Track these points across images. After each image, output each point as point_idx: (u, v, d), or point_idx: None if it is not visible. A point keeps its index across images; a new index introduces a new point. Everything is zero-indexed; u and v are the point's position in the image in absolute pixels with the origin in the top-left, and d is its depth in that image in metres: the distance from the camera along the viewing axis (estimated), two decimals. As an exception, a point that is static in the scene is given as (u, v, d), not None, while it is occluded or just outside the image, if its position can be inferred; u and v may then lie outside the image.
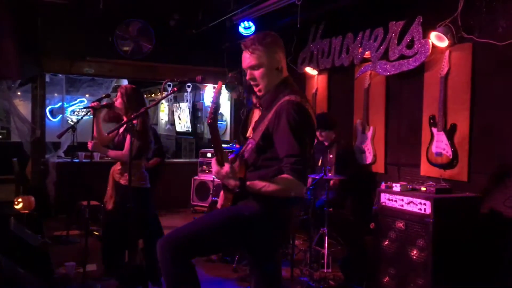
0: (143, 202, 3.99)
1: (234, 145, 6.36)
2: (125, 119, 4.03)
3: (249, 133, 2.51)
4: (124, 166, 3.91)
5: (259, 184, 2.22)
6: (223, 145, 6.13)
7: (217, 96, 2.17)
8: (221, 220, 2.33)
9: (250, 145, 2.37)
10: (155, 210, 4.32)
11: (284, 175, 2.19)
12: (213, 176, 6.23)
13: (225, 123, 8.91)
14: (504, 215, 3.80)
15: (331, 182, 4.84)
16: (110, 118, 4.53)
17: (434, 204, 3.52)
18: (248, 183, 2.22)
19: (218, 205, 2.51)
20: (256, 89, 2.42)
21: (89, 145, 3.97)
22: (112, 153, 3.97)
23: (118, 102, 4.02)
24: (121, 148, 3.90)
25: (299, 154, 2.18)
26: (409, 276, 3.67)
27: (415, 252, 3.62)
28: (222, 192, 2.47)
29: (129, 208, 3.43)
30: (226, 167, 2.19)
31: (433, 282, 3.50)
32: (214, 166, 2.25)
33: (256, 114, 3.75)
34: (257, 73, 2.36)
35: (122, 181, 3.93)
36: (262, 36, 2.36)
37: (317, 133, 5.30)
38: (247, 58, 2.36)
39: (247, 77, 2.41)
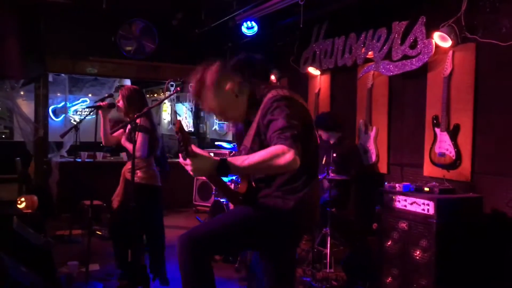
0: (155, 200, 4.01)
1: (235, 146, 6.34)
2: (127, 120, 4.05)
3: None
4: (139, 163, 3.88)
5: (241, 158, 2.03)
6: (225, 145, 6.13)
7: (178, 131, 1.99)
8: (241, 218, 2.26)
9: (243, 152, 2.29)
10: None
11: (275, 144, 1.99)
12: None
13: (227, 123, 8.92)
14: (507, 216, 3.79)
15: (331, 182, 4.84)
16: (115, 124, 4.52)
17: (437, 205, 3.52)
18: (229, 160, 2.00)
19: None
20: (232, 123, 2.36)
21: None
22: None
23: (120, 103, 4.03)
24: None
25: (285, 126, 2.01)
26: (412, 276, 3.67)
27: (418, 252, 3.62)
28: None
29: (134, 208, 3.43)
30: (198, 150, 2.06)
31: (436, 283, 3.50)
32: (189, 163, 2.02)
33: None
34: (222, 115, 2.29)
35: (137, 180, 3.89)
36: (199, 79, 2.26)
37: (320, 132, 5.30)
38: (204, 107, 2.28)
39: (217, 120, 2.34)
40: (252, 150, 2.18)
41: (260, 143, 2.18)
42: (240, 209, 2.33)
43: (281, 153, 1.94)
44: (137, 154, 3.81)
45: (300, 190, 2.22)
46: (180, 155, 2.02)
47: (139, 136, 3.79)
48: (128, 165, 4.07)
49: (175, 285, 4.20)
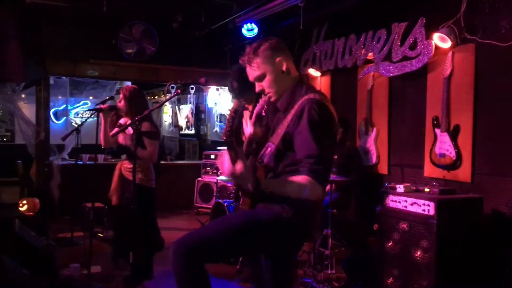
0: (152, 201, 4.07)
1: None
2: (128, 120, 4.07)
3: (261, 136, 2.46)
4: (140, 165, 3.90)
5: (275, 184, 2.19)
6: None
7: (233, 116, 2.16)
8: (237, 224, 2.25)
9: (269, 149, 2.28)
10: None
11: (302, 176, 2.11)
12: (217, 178, 6.26)
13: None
14: (507, 216, 3.80)
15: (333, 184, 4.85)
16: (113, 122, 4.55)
17: (437, 205, 3.52)
18: (263, 184, 2.16)
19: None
20: (268, 96, 2.37)
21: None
22: (140, 153, 3.89)
23: (121, 103, 4.05)
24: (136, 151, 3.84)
25: (318, 155, 2.11)
26: (412, 277, 3.67)
27: (418, 253, 3.62)
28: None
29: (135, 209, 3.45)
30: (239, 165, 2.11)
31: (437, 283, 3.50)
32: (226, 164, 2.17)
33: (246, 115, 3.80)
34: (264, 83, 2.33)
35: (137, 181, 3.91)
36: (255, 46, 2.34)
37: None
38: (249, 72, 2.35)
39: (257, 90, 2.38)
40: (279, 149, 2.24)
41: (289, 145, 2.22)
42: (237, 215, 2.35)
43: (311, 189, 2.11)
44: (151, 160, 3.87)
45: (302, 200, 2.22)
46: (225, 136, 2.18)
47: (150, 143, 3.85)
48: (126, 164, 4.09)
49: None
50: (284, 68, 2.33)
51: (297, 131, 2.17)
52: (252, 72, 2.33)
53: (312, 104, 2.17)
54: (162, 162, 5.96)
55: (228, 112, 2.22)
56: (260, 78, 2.32)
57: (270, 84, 2.32)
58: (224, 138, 2.15)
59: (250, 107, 3.69)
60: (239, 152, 2.20)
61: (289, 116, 2.23)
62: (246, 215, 2.30)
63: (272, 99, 2.36)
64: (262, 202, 2.28)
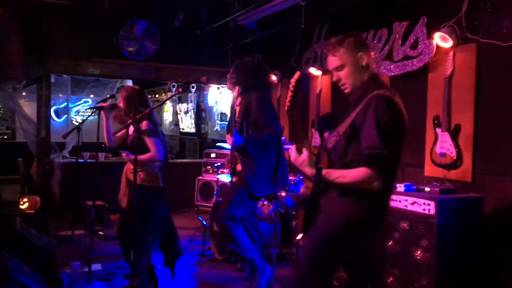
0: (159, 199, 4.05)
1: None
2: (128, 120, 4.07)
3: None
4: (141, 165, 3.90)
5: (335, 174, 2.30)
6: (226, 146, 6.13)
7: (295, 86, 2.29)
8: (319, 241, 2.41)
9: (334, 138, 2.44)
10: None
11: (360, 167, 2.23)
12: (217, 177, 6.25)
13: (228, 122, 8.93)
14: (508, 216, 3.80)
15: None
16: (117, 118, 4.56)
17: (438, 205, 3.52)
18: (324, 172, 2.29)
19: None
20: (342, 87, 2.48)
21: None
22: (142, 157, 3.87)
23: (121, 104, 4.05)
24: (138, 150, 3.75)
25: (380, 148, 2.20)
26: (413, 276, 3.67)
27: (419, 252, 3.62)
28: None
29: (135, 208, 3.45)
30: (304, 154, 2.29)
31: (437, 283, 3.50)
32: (292, 153, 2.35)
33: (237, 110, 3.87)
34: (342, 73, 2.43)
35: (139, 181, 3.90)
36: (342, 38, 2.43)
37: (325, 135, 5.31)
38: (331, 61, 2.45)
39: (334, 79, 2.48)
40: (342, 138, 2.39)
41: (352, 135, 2.34)
42: (314, 230, 2.46)
43: (369, 181, 2.23)
44: (156, 158, 3.86)
45: (371, 196, 2.34)
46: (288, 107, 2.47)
47: (151, 141, 3.83)
48: (130, 166, 4.09)
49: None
50: (364, 63, 2.43)
51: (363, 123, 2.28)
52: (333, 61, 2.44)
53: (380, 99, 2.27)
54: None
55: (290, 84, 2.37)
56: (339, 68, 2.43)
57: (348, 75, 2.43)
58: (287, 109, 2.36)
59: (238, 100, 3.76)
60: (305, 143, 2.37)
61: (357, 109, 2.35)
62: (322, 228, 2.42)
63: (347, 91, 2.47)
64: (323, 189, 2.42)
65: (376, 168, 2.20)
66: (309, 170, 2.29)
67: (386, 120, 2.22)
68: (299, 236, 2.84)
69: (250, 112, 3.69)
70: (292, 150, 2.35)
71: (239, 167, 3.85)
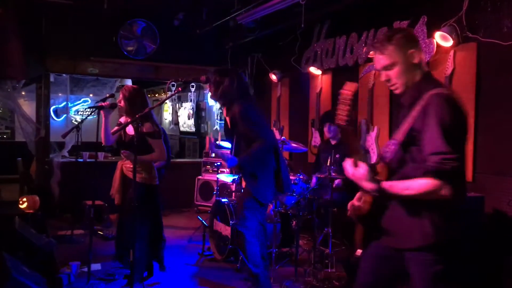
0: (155, 198, 4.11)
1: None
2: (125, 118, 4.07)
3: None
4: (141, 164, 3.91)
5: (399, 186, 2.06)
6: (225, 145, 6.14)
7: (352, 99, 2.10)
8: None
9: (393, 146, 2.20)
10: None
11: (428, 177, 1.98)
12: (217, 176, 6.24)
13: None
14: (508, 216, 3.79)
15: (336, 182, 4.84)
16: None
17: (438, 204, 3.51)
18: (386, 185, 2.07)
19: (354, 203, 2.33)
20: (392, 88, 2.26)
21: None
22: (146, 157, 3.91)
23: (121, 103, 4.04)
24: (139, 150, 3.69)
25: (447, 152, 1.96)
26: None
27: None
28: (358, 193, 2.35)
29: (136, 207, 3.45)
30: (363, 168, 2.10)
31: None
32: (350, 168, 2.16)
33: (227, 119, 3.85)
34: (392, 72, 2.21)
35: (139, 180, 3.91)
36: (391, 34, 2.22)
37: (325, 129, 5.31)
38: (380, 59, 2.23)
39: (383, 78, 2.26)
40: (402, 146, 2.14)
41: (413, 141, 2.10)
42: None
43: (437, 189, 1.97)
44: (161, 158, 3.92)
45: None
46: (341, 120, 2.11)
47: (156, 144, 3.88)
48: (128, 164, 4.08)
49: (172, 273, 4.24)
50: (416, 60, 2.21)
51: (425, 126, 2.05)
52: (382, 60, 2.22)
53: (441, 99, 2.05)
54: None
55: (343, 94, 2.13)
56: (389, 67, 2.21)
57: (399, 75, 2.21)
58: (341, 123, 2.07)
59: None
60: (362, 156, 2.13)
61: (415, 112, 2.10)
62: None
63: (397, 91, 2.25)
64: (383, 201, 2.17)
65: (444, 175, 1.96)
66: (370, 185, 2.08)
67: (449, 122, 2.00)
68: (358, 253, 2.55)
69: (236, 124, 3.68)
70: (349, 164, 2.13)
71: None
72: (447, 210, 2.09)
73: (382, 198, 2.14)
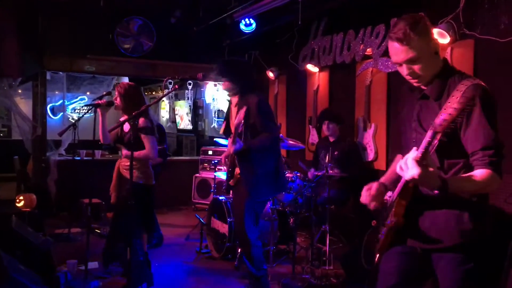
0: (150, 198, 4.09)
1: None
2: (125, 116, 4.05)
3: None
4: (138, 163, 3.89)
5: (460, 180, 1.89)
6: (222, 142, 6.13)
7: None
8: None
9: (436, 141, 1.90)
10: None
11: (482, 170, 1.87)
12: (215, 174, 6.22)
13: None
14: (506, 213, 3.79)
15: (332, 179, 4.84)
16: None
17: (436, 201, 3.51)
18: (449, 180, 1.84)
19: (370, 204, 2.21)
20: (414, 81, 2.07)
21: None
22: (136, 154, 3.84)
23: (117, 101, 4.03)
24: (135, 147, 3.73)
25: (497, 145, 1.90)
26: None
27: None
28: (371, 190, 2.21)
29: (132, 205, 3.44)
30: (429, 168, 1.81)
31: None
32: (415, 168, 1.78)
33: (233, 110, 3.79)
34: (417, 66, 2.00)
35: (134, 178, 3.89)
36: (413, 22, 1.96)
37: (324, 126, 5.30)
38: (402, 52, 1.98)
39: (405, 72, 2.04)
40: (441, 143, 1.86)
41: (453, 137, 1.95)
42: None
43: (493, 183, 1.90)
44: (151, 156, 3.87)
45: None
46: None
47: (147, 139, 3.84)
48: (124, 162, 4.07)
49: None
50: (438, 49, 2.03)
51: (472, 121, 1.93)
52: (405, 53, 1.97)
53: (482, 90, 1.95)
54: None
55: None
56: (414, 60, 1.98)
57: (424, 68, 2.00)
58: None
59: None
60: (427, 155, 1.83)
61: (454, 104, 1.82)
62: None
63: (420, 84, 2.06)
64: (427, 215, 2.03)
65: (497, 167, 1.87)
66: (435, 182, 1.81)
67: (495, 114, 1.95)
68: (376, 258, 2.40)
69: (249, 115, 3.64)
70: (413, 164, 1.79)
71: (237, 170, 3.83)
72: (484, 205, 2.04)
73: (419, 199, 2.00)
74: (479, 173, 1.88)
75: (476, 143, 1.91)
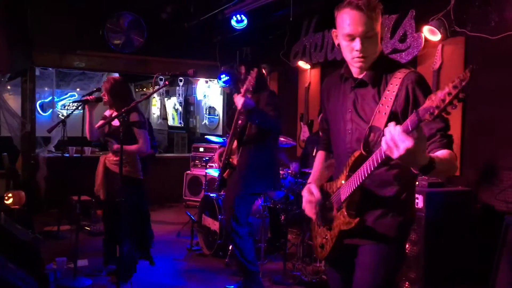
0: (141, 191, 4.05)
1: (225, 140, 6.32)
2: (113, 112, 4.00)
3: None
4: (127, 157, 3.85)
5: (445, 162, 1.71)
6: (214, 139, 6.08)
7: None
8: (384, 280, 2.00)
9: (374, 136, 1.88)
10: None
11: (445, 151, 1.76)
12: (206, 171, 6.20)
13: (217, 117, 8.88)
14: (496, 209, 3.81)
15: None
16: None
17: (426, 198, 3.53)
18: (437, 160, 1.65)
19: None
20: (359, 60, 1.92)
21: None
22: (129, 148, 3.82)
23: (105, 97, 3.99)
24: (124, 142, 3.63)
25: (447, 127, 1.83)
26: (401, 270, 3.67)
27: (407, 246, 3.62)
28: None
29: (123, 202, 3.41)
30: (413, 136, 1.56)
31: (425, 276, 3.51)
32: (408, 141, 1.51)
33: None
34: (369, 44, 1.88)
35: (124, 173, 3.85)
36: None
37: (319, 120, 5.29)
38: (363, 23, 1.84)
39: (357, 47, 1.87)
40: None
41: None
42: (373, 270, 2.00)
43: (456, 161, 1.82)
44: (143, 150, 3.86)
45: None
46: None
47: (140, 133, 3.82)
48: (111, 157, 4.03)
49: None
50: (381, 32, 1.93)
51: (416, 105, 1.76)
52: (365, 24, 1.85)
53: (420, 77, 1.87)
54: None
55: None
56: (370, 35, 1.87)
57: (373, 48, 1.91)
58: None
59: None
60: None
61: (388, 93, 1.82)
62: (382, 264, 1.98)
63: (363, 65, 1.93)
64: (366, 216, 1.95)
65: (453, 149, 1.80)
66: (424, 160, 1.60)
67: None
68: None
69: (259, 101, 3.71)
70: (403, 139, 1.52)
71: (234, 160, 3.83)
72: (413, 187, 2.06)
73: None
74: (447, 154, 1.76)
75: (433, 126, 1.80)
